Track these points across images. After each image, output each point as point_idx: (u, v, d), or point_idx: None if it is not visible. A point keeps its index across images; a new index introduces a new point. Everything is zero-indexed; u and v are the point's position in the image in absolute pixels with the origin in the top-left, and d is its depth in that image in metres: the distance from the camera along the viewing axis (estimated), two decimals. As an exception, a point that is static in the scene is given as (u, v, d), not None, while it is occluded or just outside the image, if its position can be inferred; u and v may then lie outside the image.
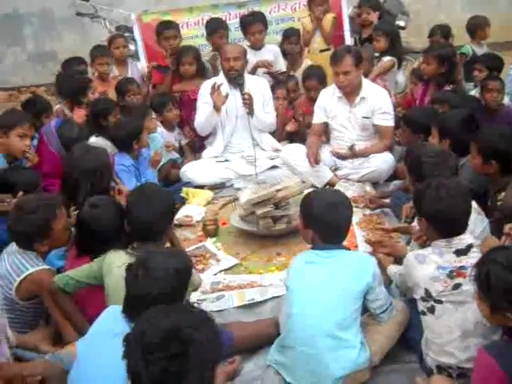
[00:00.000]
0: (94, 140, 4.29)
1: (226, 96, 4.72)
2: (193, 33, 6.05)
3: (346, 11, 6.04)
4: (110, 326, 2.11)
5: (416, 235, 2.85)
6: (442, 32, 5.66)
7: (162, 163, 4.69)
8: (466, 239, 2.46)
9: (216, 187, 4.75)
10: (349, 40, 6.04)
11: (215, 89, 4.70)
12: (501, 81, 4.46)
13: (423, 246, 2.68)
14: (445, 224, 2.47)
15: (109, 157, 3.70)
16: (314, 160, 4.52)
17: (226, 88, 4.78)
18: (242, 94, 4.68)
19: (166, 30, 5.57)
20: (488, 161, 3.13)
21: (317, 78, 5.08)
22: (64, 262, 3.13)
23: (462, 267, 2.37)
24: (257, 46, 5.55)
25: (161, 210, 2.77)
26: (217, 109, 4.74)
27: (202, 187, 4.70)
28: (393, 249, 3.12)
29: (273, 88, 5.17)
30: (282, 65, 5.70)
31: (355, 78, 4.46)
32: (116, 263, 2.60)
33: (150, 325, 1.65)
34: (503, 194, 3.11)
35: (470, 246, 2.44)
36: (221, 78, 4.83)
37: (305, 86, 5.22)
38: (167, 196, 2.95)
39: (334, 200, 2.64)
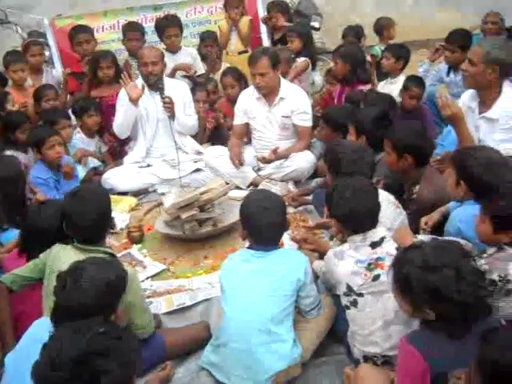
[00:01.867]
0: (9, 153, 4.13)
1: (142, 88, 4.63)
2: (109, 37, 5.96)
3: (262, 14, 6.13)
4: (40, 338, 2.04)
5: (334, 231, 2.93)
6: (354, 33, 5.83)
7: (85, 172, 4.59)
8: (379, 232, 2.56)
9: (139, 193, 4.70)
10: (266, 42, 6.14)
11: (127, 80, 4.60)
12: (423, 85, 4.62)
13: (344, 240, 2.76)
14: (353, 223, 2.57)
15: (20, 165, 3.59)
16: (238, 161, 4.56)
17: (145, 92, 4.72)
18: (163, 98, 4.63)
19: (78, 34, 5.46)
20: (402, 155, 3.23)
21: (232, 75, 5.13)
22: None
23: (379, 258, 2.47)
24: (173, 50, 5.53)
25: (99, 210, 2.71)
26: (132, 100, 4.62)
27: (125, 194, 4.63)
28: (317, 245, 3.20)
29: (193, 91, 5.16)
30: (200, 67, 5.70)
31: (271, 80, 4.52)
32: (62, 260, 2.53)
33: (58, 353, 1.60)
34: (417, 187, 3.24)
35: (383, 238, 2.54)
36: (139, 83, 4.76)
37: (222, 85, 5.25)
38: (103, 195, 2.88)
39: (265, 204, 2.66)
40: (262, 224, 2.62)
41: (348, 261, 2.51)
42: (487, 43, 3.47)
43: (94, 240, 2.68)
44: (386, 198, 2.92)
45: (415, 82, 4.61)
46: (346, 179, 2.70)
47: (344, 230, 2.64)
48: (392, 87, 4.91)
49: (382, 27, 6.00)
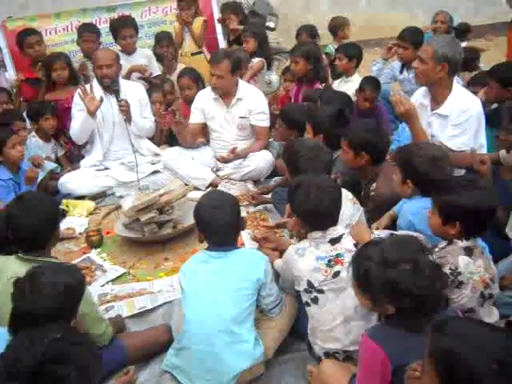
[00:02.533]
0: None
1: (101, 100, 4.54)
2: (62, 39, 5.87)
3: (217, 14, 6.13)
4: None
5: (291, 226, 2.95)
6: (307, 32, 5.87)
7: (43, 175, 4.52)
8: (338, 230, 2.59)
9: (97, 196, 4.64)
10: (222, 42, 6.14)
11: (86, 93, 4.52)
12: (378, 85, 4.69)
13: (302, 238, 2.78)
14: (315, 220, 2.58)
15: None
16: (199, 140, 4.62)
17: (100, 94, 4.66)
18: (119, 101, 4.57)
19: (28, 36, 5.34)
20: (359, 153, 3.27)
21: (189, 76, 5.10)
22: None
23: (338, 254, 2.50)
24: (128, 51, 5.48)
25: (44, 217, 2.64)
26: (90, 113, 4.54)
27: (82, 198, 4.57)
28: (278, 243, 3.21)
29: (149, 92, 5.12)
30: (155, 68, 5.67)
31: (228, 83, 4.53)
32: (5, 272, 2.47)
33: (14, 362, 1.59)
34: (374, 184, 3.29)
35: (342, 235, 2.57)
36: (95, 85, 4.70)
37: (179, 86, 5.23)
38: (49, 202, 2.81)
39: (216, 205, 2.66)
40: (215, 225, 2.62)
41: (309, 257, 2.53)
42: (436, 41, 3.55)
43: (37, 248, 2.62)
44: (344, 195, 2.96)
45: (370, 84, 4.66)
46: (309, 177, 2.70)
47: (305, 228, 2.65)
48: (347, 86, 4.98)
49: (336, 27, 6.08)
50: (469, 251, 2.37)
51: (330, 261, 2.49)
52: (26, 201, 2.71)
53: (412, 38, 4.84)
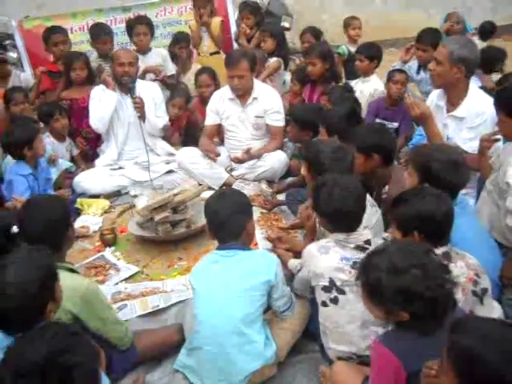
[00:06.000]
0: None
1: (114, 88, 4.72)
2: (78, 38, 5.92)
3: (233, 14, 6.13)
4: None
5: (303, 220, 2.92)
6: (311, 33, 5.86)
7: (57, 174, 4.55)
8: (363, 235, 2.54)
9: (112, 195, 4.66)
10: (234, 42, 6.14)
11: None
12: (405, 74, 4.72)
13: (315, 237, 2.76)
14: (338, 221, 2.55)
15: None
16: (214, 153, 4.58)
17: (116, 94, 4.70)
18: (133, 98, 4.60)
19: (53, 34, 5.41)
20: (370, 155, 3.23)
21: (208, 74, 5.15)
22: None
23: None
24: (142, 50, 5.49)
25: (51, 221, 2.61)
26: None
27: (97, 196, 4.60)
28: (291, 244, 3.20)
29: (171, 95, 5.20)
30: (170, 68, 5.69)
31: (248, 82, 4.56)
32: None
33: (21, 361, 1.61)
34: (387, 187, 3.27)
35: (367, 242, 2.53)
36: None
37: (197, 84, 5.25)
38: (57, 206, 2.77)
39: (223, 202, 2.67)
40: (216, 218, 2.63)
41: (333, 256, 2.49)
42: (451, 43, 3.52)
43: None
44: None
45: (396, 70, 4.75)
46: (334, 176, 2.66)
47: (327, 227, 2.63)
48: (364, 86, 4.98)
49: (344, 27, 6.06)
50: (447, 256, 2.34)
51: (355, 262, 2.42)
52: (34, 205, 2.71)
53: (431, 39, 4.80)
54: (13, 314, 1.97)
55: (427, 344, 1.91)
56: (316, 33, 5.86)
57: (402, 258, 1.97)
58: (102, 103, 4.74)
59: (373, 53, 5.01)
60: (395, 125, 4.68)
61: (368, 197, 3.02)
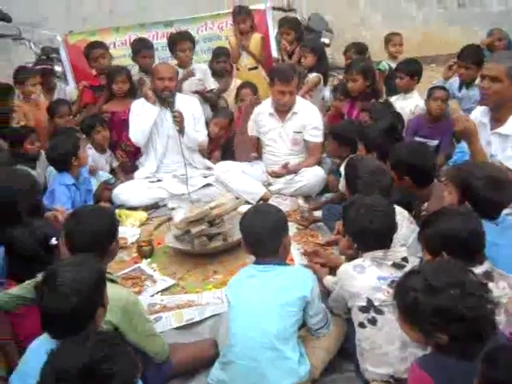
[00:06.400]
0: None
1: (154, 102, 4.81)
2: (120, 53, 6.00)
3: (272, 30, 6.16)
4: (42, 356, 2.03)
5: (343, 245, 2.90)
6: (356, 49, 5.84)
7: (97, 185, 4.63)
8: (400, 252, 2.53)
9: (150, 208, 4.70)
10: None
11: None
12: (446, 91, 4.67)
13: (351, 259, 2.73)
14: (365, 240, 2.55)
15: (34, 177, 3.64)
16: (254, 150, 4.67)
17: (156, 108, 4.77)
18: (172, 112, 4.66)
19: (93, 50, 5.53)
20: (401, 177, 3.21)
21: (250, 88, 5.23)
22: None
23: None
24: (185, 64, 5.55)
25: (101, 230, 2.64)
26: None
27: (135, 208, 4.65)
28: (328, 259, 3.17)
29: (213, 114, 5.30)
30: (210, 83, 5.73)
31: (295, 98, 4.62)
32: None
33: (63, 366, 1.63)
34: (426, 204, 3.21)
35: (404, 259, 2.50)
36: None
37: (238, 98, 5.30)
38: (106, 216, 2.80)
39: (259, 216, 2.68)
40: (251, 232, 2.64)
41: (369, 275, 2.47)
42: (504, 59, 3.42)
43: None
44: (401, 214, 2.90)
45: (437, 87, 4.70)
46: (363, 197, 2.69)
47: (359, 247, 2.62)
48: (405, 103, 4.93)
49: (385, 43, 6.02)
50: (488, 276, 2.27)
51: (392, 281, 2.39)
52: (82, 216, 2.72)
53: (473, 56, 4.73)
54: (65, 315, 1.99)
55: (467, 370, 1.84)
56: (360, 49, 5.84)
57: (438, 277, 1.92)
58: (142, 117, 4.81)
59: (413, 69, 4.96)
60: (435, 142, 4.61)
61: (407, 214, 2.99)
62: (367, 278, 2.47)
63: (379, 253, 2.51)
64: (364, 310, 2.46)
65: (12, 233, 2.85)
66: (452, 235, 2.31)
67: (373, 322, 2.43)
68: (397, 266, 2.47)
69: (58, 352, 1.71)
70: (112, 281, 2.58)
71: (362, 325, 2.48)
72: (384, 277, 2.44)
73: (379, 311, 2.42)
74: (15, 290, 2.61)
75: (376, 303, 2.42)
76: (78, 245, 2.59)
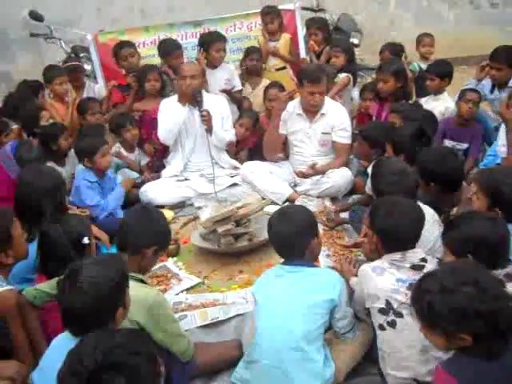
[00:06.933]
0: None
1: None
2: (149, 52, 6.03)
3: (301, 30, 6.14)
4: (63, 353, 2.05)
5: (366, 248, 2.88)
6: (390, 49, 5.77)
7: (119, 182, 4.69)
8: (418, 253, 2.52)
9: (176, 206, 4.72)
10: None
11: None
12: (478, 93, 4.61)
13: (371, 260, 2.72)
14: (392, 240, 2.53)
15: (60, 174, 3.71)
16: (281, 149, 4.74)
17: (185, 109, 4.79)
18: (200, 111, 4.67)
19: (121, 49, 5.57)
20: (428, 183, 3.19)
21: (278, 89, 5.20)
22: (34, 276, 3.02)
23: None
24: (217, 64, 5.57)
25: (156, 231, 2.73)
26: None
27: (162, 207, 4.67)
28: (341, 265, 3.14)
29: (240, 113, 5.31)
30: (237, 83, 5.74)
31: (324, 98, 4.60)
32: None
33: (78, 361, 1.64)
34: (455, 209, 3.18)
35: (423, 260, 2.49)
36: (175, 99, 4.85)
37: (266, 97, 5.29)
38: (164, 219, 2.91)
39: (285, 217, 2.70)
40: (277, 232, 2.66)
41: (388, 277, 2.46)
42: None
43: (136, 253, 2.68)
44: (431, 216, 2.88)
45: (469, 89, 4.63)
46: (392, 198, 2.69)
47: (383, 247, 2.60)
48: (435, 104, 4.86)
49: (419, 43, 5.96)
50: (509, 276, 2.26)
51: (411, 284, 2.37)
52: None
53: (506, 57, 4.65)
54: (83, 313, 2.01)
55: (493, 370, 1.82)
56: (395, 50, 5.77)
57: (451, 277, 1.91)
58: (171, 116, 4.83)
59: (443, 71, 4.91)
60: (464, 146, 4.56)
61: (436, 216, 2.96)
62: (386, 279, 2.46)
63: (397, 255, 2.51)
64: (383, 312, 2.45)
65: (47, 230, 2.90)
66: (481, 240, 2.30)
67: (392, 324, 2.43)
68: (416, 267, 2.47)
69: (80, 345, 1.71)
70: (141, 281, 2.60)
71: (381, 327, 2.47)
72: (403, 279, 2.44)
73: (398, 314, 2.41)
74: (43, 285, 2.67)
75: (395, 305, 2.42)
76: (131, 244, 2.68)
